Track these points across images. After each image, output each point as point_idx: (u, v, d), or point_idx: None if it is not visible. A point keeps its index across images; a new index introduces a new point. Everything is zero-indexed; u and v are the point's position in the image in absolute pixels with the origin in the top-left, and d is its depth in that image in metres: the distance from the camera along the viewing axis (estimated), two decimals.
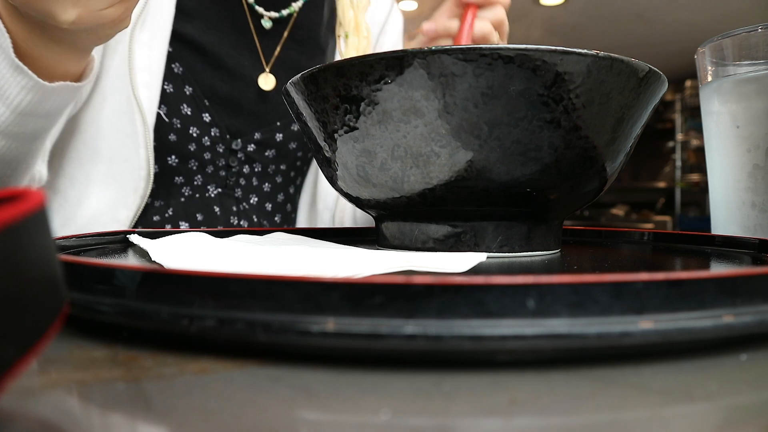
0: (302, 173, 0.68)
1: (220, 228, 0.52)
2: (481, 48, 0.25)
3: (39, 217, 0.11)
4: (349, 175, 0.31)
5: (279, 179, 0.65)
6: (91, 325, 0.18)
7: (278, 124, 0.62)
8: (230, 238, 0.37)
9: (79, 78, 0.44)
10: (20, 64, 0.38)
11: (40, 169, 0.49)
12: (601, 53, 0.26)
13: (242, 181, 0.62)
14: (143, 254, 0.30)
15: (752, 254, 0.33)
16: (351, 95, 0.27)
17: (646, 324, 0.14)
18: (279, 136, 0.62)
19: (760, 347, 0.17)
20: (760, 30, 0.39)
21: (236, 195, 0.61)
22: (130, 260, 0.29)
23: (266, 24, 0.59)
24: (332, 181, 0.34)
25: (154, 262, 0.26)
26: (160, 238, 0.34)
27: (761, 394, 0.14)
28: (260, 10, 0.59)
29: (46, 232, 0.11)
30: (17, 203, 0.11)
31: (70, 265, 0.18)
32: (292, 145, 0.63)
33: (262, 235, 0.41)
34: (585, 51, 0.25)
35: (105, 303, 0.16)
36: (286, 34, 0.61)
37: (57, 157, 0.54)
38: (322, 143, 0.31)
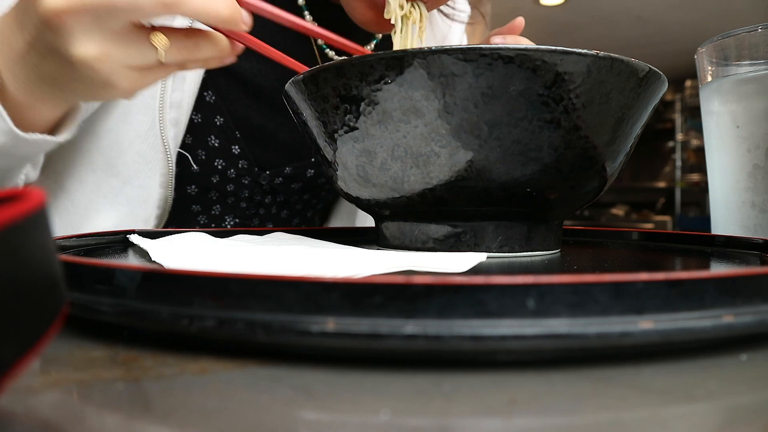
0: (324, 199, 0.66)
1: (220, 228, 0.51)
2: (481, 48, 0.25)
3: (39, 217, 0.11)
4: (349, 175, 0.31)
5: (299, 206, 0.63)
6: (91, 325, 0.18)
7: (312, 160, 0.59)
8: (230, 238, 0.37)
9: (55, 127, 0.42)
10: None
11: (27, 172, 0.47)
12: (601, 53, 0.26)
13: (261, 211, 0.60)
14: (143, 254, 0.30)
15: (757, 255, 0.33)
16: (351, 95, 0.27)
17: (646, 324, 0.14)
18: (310, 172, 0.59)
19: (760, 347, 0.17)
20: (760, 30, 0.39)
21: (253, 224, 0.60)
22: (130, 260, 0.29)
23: None
24: (332, 181, 0.34)
25: (154, 262, 0.26)
26: (160, 238, 0.34)
27: (761, 394, 0.14)
28: (331, 54, 0.56)
29: (46, 232, 0.11)
30: (17, 203, 0.11)
31: (70, 265, 0.18)
32: (322, 180, 0.61)
33: (262, 235, 0.41)
34: (585, 51, 0.25)
35: (105, 303, 0.16)
36: None
37: (68, 154, 0.51)
38: (322, 143, 0.31)
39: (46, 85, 0.35)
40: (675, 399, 0.13)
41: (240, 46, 0.35)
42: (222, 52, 0.34)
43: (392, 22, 0.42)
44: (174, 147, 0.51)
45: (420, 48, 0.25)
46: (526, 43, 0.46)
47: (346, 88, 0.27)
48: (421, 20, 0.43)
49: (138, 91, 0.35)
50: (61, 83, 0.34)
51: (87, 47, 0.31)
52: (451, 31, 0.67)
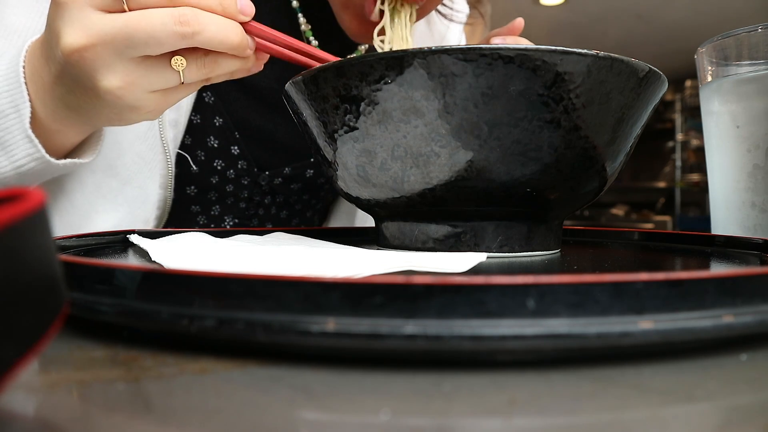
0: (323, 200, 0.66)
1: (220, 228, 0.51)
2: (481, 48, 0.25)
3: (39, 217, 0.11)
4: (349, 175, 0.31)
5: (298, 206, 0.63)
6: (91, 325, 0.18)
7: (311, 160, 0.59)
8: (230, 238, 0.37)
9: (77, 146, 0.43)
10: (32, 135, 0.37)
11: None
12: (601, 53, 0.26)
13: (261, 211, 0.60)
14: (143, 254, 0.30)
15: (757, 255, 0.33)
16: (351, 95, 0.27)
17: (646, 324, 0.14)
18: (310, 172, 0.59)
19: (760, 347, 0.17)
20: (760, 30, 0.39)
21: (252, 224, 0.60)
22: (130, 260, 0.29)
23: None
24: (332, 181, 0.34)
25: (154, 262, 0.26)
26: (160, 238, 0.34)
27: (761, 394, 0.14)
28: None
29: (46, 232, 0.11)
30: (17, 203, 0.11)
31: (70, 265, 0.18)
32: (321, 180, 0.61)
33: (262, 235, 0.41)
34: (585, 51, 0.25)
35: (105, 303, 0.16)
36: None
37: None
38: (322, 143, 0.31)
39: (74, 112, 0.36)
40: (675, 399, 0.13)
41: (265, 56, 0.36)
42: (246, 64, 0.35)
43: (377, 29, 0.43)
44: (173, 148, 0.51)
45: (420, 48, 0.25)
46: (525, 43, 0.46)
47: (346, 88, 0.27)
48: (410, 16, 0.44)
49: (163, 111, 0.36)
50: (88, 110, 0.35)
51: (110, 79, 0.32)
52: (449, 31, 0.67)
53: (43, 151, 0.38)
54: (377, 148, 0.28)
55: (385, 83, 0.26)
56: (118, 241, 0.36)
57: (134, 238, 0.35)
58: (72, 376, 0.14)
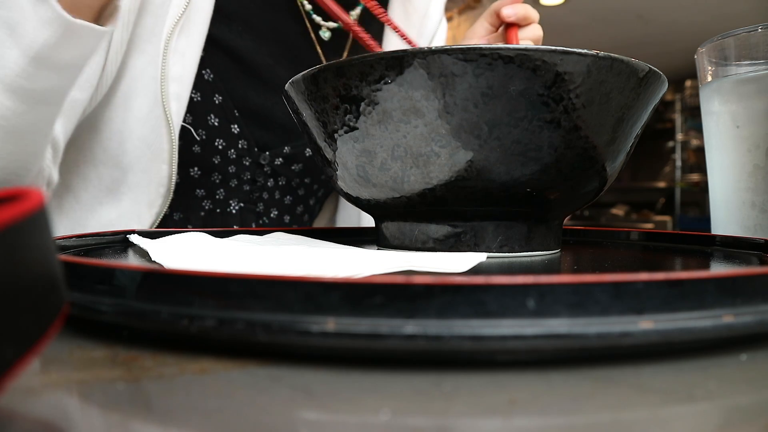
0: (325, 185, 0.67)
1: (220, 228, 0.51)
2: (481, 48, 0.25)
3: (39, 217, 0.11)
4: (349, 175, 0.31)
5: (301, 192, 0.64)
6: (91, 325, 0.18)
7: None
8: (230, 238, 0.37)
9: (98, 19, 0.41)
10: None
11: (51, 172, 0.47)
12: (601, 53, 0.26)
13: (265, 195, 0.60)
14: (143, 254, 0.30)
15: (757, 255, 0.33)
16: (351, 95, 0.27)
17: (646, 324, 0.14)
18: (308, 152, 0.60)
19: (760, 347, 0.17)
20: (760, 30, 0.39)
21: (258, 209, 0.60)
22: (130, 260, 0.29)
23: (325, 35, 0.58)
24: (332, 181, 0.34)
25: (154, 262, 0.26)
26: (160, 238, 0.34)
27: (761, 394, 0.14)
28: (318, 19, 0.57)
29: (46, 232, 0.11)
30: (17, 203, 0.11)
31: (70, 265, 0.18)
32: None
33: (262, 235, 0.41)
34: (585, 51, 0.25)
35: (105, 303, 0.16)
36: (347, 48, 0.60)
37: (71, 153, 0.52)
38: (322, 143, 0.31)
39: None
40: (675, 399, 0.13)
41: None
42: None
43: None
44: (177, 121, 0.50)
45: (420, 48, 0.25)
46: (528, 41, 0.47)
47: (346, 88, 0.27)
48: None
49: None
50: None
51: None
52: (430, 5, 0.66)
53: (58, 6, 0.36)
54: (377, 148, 0.28)
55: (385, 83, 0.26)
56: (118, 241, 0.36)
57: (134, 238, 0.35)
58: (72, 376, 0.14)
